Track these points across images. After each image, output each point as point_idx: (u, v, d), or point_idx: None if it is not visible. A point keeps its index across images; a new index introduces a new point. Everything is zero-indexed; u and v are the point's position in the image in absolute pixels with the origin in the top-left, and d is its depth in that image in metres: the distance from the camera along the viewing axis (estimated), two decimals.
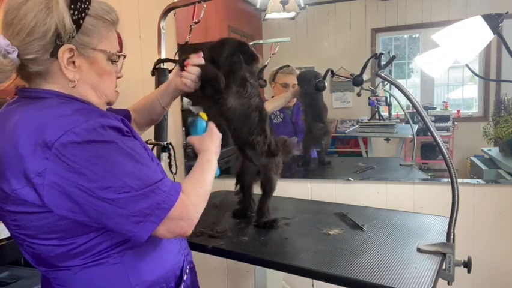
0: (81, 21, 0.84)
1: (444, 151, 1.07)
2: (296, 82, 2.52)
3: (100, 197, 0.77)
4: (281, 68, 2.52)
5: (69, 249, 0.84)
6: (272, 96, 2.61)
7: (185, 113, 2.62)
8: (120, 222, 0.79)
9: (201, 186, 0.95)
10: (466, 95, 4.77)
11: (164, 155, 1.69)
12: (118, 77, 0.98)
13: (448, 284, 1.14)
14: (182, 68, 1.21)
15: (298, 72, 2.57)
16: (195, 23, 1.62)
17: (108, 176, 0.77)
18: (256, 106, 1.31)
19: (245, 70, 1.28)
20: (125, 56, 0.97)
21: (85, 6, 0.84)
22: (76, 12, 0.83)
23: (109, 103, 0.98)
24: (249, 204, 1.54)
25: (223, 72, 1.22)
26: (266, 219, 1.43)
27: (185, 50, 1.70)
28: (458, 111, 4.39)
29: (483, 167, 2.81)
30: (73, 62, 0.85)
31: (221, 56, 1.25)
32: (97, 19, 0.87)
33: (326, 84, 1.76)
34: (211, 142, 1.11)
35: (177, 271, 1.00)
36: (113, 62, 0.93)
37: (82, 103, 0.88)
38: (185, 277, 1.01)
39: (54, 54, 0.83)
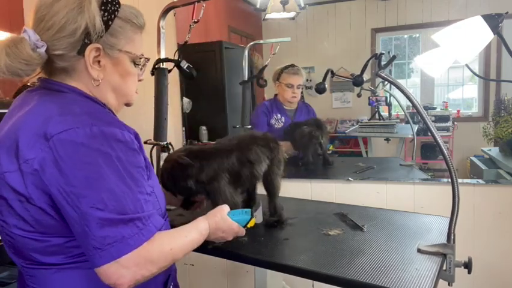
0: (110, 22, 0.87)
1: (445, 151, 1.07)
2: (301, 83, 2.49)
3: (73, 204, 0.76)
4: (286, 67, 2.47)
5: (48, 245, 0.83)
6: (275, 95, 2.58)
7: (185, 114, 2.63)
8: (81, 237, 0.78)
9: (172, 248, 0.86)
10: (466, 95, 4.77)
11: (164, 155, 1.69)
12: (139, 80, 1.00)
13: (449, 284, 1.14)
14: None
15: (303, 72, 2.54)
16: (195, 22, 1.61)
17: (88, 185, 0.75)
18: (238, 169, 1.30)
19: (200, 176, 1.25)
20: (148, 60, 0.99)
21: (115, 8, 0.87)
22: (106, 14, 0.86)
23: (127, 104, 1.00)
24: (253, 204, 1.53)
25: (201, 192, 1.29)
26: (273, 219, 1.43)
27: (184, 49, 1.70)
28: (458, 111, 4.40)
29: (483, 167, 2.81)
30: (98, 62, 0.88)
31: (180, 193, 1.31)
32: (125, 22, 0.90)
33: (326, 85, 1.75)
34: (217, 225, 1.03)
35: (160, 286, 0.99)
36: (136, 64, 0.95)
37: (97, 105, 0.89)
38: None
39: (81, 52, 0.85)
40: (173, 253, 0.86)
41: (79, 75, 0.88)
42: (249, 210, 1.12)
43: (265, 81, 2.66)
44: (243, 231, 1.10)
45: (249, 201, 1.51)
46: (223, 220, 1.04)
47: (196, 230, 0.96)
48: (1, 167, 0.80)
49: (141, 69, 0.98)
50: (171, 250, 0.85)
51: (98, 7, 0.85)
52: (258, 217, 1.16)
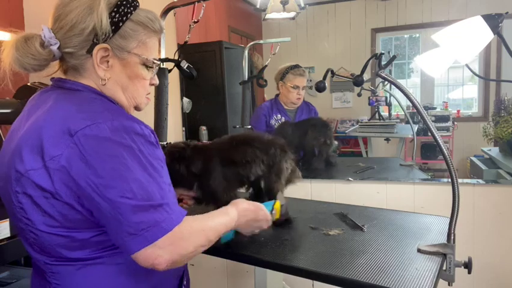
0: (121, 24, 0.89)
1: (445, 151, 1.07)
2: (305, 84, 2.45)
3: (103, 195, 0.78)
4: (291, 68, 2.41)
5: (74, 240, 0.84)
6: (277, 95, 2.53)
7: (185, 114, 2.63)
8: (114, 227, 0.79)
9: (204, 228, 0.90)
10: (466, 95, 4.78)
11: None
12: (152, 84, 1.01)
13: (449, 284, 1.14)
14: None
15: (306, 72, 2.50)
16: (194, 22, 1.62)
17: (116, 176, 0.78)
18: (223, 169, 1.28)
19: (191, 166, 1.28)
20: (159, 64, 1.00)
21: (128, 11, 0.89)
22: (117, 15, 0.88)
23: (136, 108, 1.00)
24: None
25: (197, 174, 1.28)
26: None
27: (184, 49, 1.70)
28: (458, 111, 4.41)
29: (483, 167, 2.82)
30: (107, 62, 0.90)
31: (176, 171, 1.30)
32: (138, 25, 0.91)
33: (326, 84, 1.76)
34: (244, 212, 1.07)
35: (176, 280, 1.02)
36: (148, 68, 0.96)
37: (113, 104, 0.91)
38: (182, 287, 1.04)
39: (90, 51, 0.88)
40: (206, 234, 0.89)
41: (89, 73, 0.91)
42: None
43: (265, 81, 2.65)
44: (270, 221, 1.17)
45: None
46: (256, 206, 1.10)
47: (225, 214, 1.00)
48: (24, 165, 0.81)
49: (153, 73, 0.99)
50: (203, 231, 0.88)
51: (107, 9, 0.87)
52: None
